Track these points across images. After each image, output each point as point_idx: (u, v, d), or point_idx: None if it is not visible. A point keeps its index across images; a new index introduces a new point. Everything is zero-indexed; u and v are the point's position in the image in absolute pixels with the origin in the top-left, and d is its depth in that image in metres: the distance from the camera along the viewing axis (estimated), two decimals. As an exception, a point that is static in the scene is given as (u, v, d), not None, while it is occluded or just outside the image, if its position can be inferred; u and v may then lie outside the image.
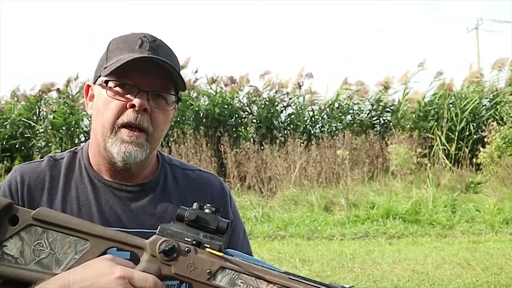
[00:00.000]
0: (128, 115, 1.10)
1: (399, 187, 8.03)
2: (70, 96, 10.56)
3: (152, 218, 1.17)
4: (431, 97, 10.79)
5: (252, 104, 10.68)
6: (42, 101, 10.71)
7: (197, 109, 10.17)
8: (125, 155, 1.11)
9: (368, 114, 10.78)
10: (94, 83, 1.18)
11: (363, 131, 10.08)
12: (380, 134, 10.04)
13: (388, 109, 10.88)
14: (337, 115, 10.60)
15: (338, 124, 10.44)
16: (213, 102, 10.33)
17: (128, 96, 1.11)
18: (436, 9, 73.65)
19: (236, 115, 10.44)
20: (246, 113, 10.55)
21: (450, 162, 9.63)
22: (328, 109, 10.73)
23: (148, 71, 1.12)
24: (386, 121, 10.83)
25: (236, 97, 10.62)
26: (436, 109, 10.58)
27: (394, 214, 7.01)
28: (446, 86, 10.65)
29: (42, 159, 1.21)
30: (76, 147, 1.26)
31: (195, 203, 0.98)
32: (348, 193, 7.64)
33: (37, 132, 10.29)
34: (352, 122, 10.55)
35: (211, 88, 10.77)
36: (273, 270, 0.94)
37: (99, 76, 1.15)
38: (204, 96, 10.57)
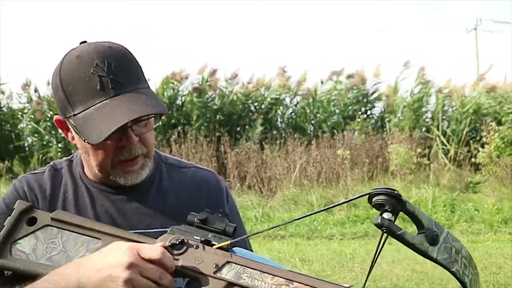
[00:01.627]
0: (124, 154, 1.12)
1: (399, 187, 8.05)
2: None
3: (148, 218, 1.19)
4: (419, 97, 10.91)
5: (256, 103, 10.79)
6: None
7: (209, 105, 10.25)
8: (132, 180, 1.16)
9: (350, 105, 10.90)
10: (65, 117, 1.11)
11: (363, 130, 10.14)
12: (372, 126, 10.19)
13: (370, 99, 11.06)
14: (323, 109, 10.74)
15: (327, 115, 10.57)
16: (226, 98, 10.42)
17: (114, 136, 1.07)
18: (436, 9, 73.71)
19: (249, 113, 10.57)
20: (254, 110, 10.65)
21: (450, 162, 9.67)
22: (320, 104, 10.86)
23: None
24: (372, 114, 11.04)
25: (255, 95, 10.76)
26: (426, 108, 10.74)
27: (393, 214, 7.02)
28: (438, 89, 10.81)
29: (43, 170, 1.26)
30: (72, 155, 1.29)
31: (206, 210, 1.02)
32: (348, 193, 7.66)
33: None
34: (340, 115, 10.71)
35: (228, 85, 10.85)
36: (279, 268, 0.96)
37: (70, 117, 1.08)
38: (219, 92, 10.64)
